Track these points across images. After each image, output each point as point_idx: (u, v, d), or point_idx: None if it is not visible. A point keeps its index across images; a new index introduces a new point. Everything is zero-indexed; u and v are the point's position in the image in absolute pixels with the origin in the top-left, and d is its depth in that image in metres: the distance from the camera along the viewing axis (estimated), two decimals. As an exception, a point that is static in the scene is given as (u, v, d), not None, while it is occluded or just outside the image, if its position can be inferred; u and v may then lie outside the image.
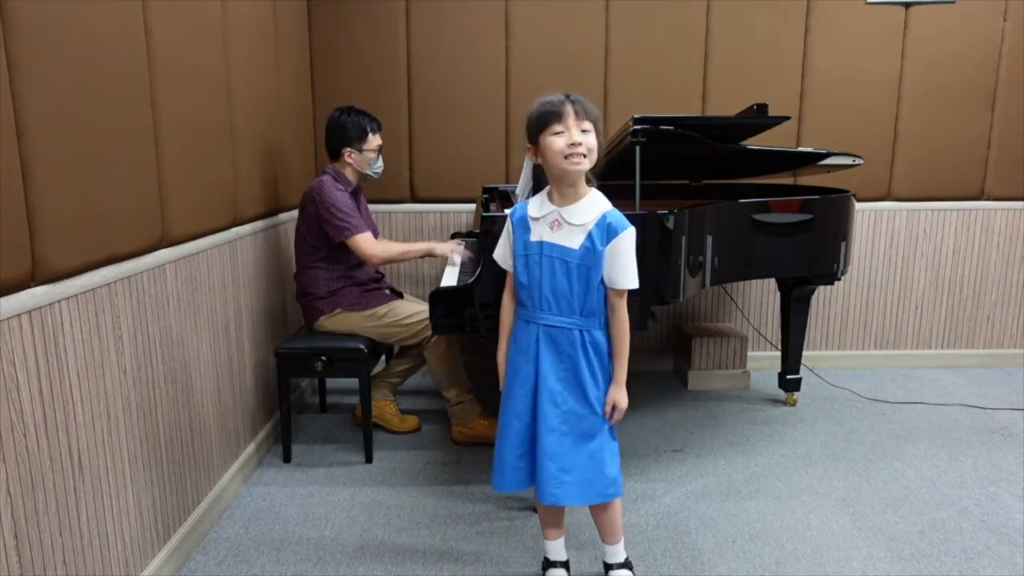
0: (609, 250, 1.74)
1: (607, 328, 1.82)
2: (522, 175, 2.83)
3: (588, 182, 1.78)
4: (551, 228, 1.76)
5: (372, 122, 2.88)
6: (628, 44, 3.57)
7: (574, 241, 1.74)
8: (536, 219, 1.79)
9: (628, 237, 1.75)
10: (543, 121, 1.71)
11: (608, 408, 1.83)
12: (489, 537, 2.28)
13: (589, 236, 1.73)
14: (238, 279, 2.63)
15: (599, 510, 1.94)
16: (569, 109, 1.69)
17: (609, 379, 1.84)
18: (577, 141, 1.68)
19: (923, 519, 2.37)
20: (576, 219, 1.74)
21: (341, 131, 2.84)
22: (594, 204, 1.76)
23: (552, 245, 1.76)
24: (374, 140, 2.88)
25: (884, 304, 3.88)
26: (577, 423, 1.81)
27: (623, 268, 1.75)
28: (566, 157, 1.69)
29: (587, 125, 1.70)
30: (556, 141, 1.69)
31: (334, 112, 2.88)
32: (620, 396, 1.83)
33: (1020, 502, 2.48)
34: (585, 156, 1.69)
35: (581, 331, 1.79)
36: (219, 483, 2.43)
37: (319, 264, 2.85)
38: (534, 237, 1.78)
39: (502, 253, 1.89)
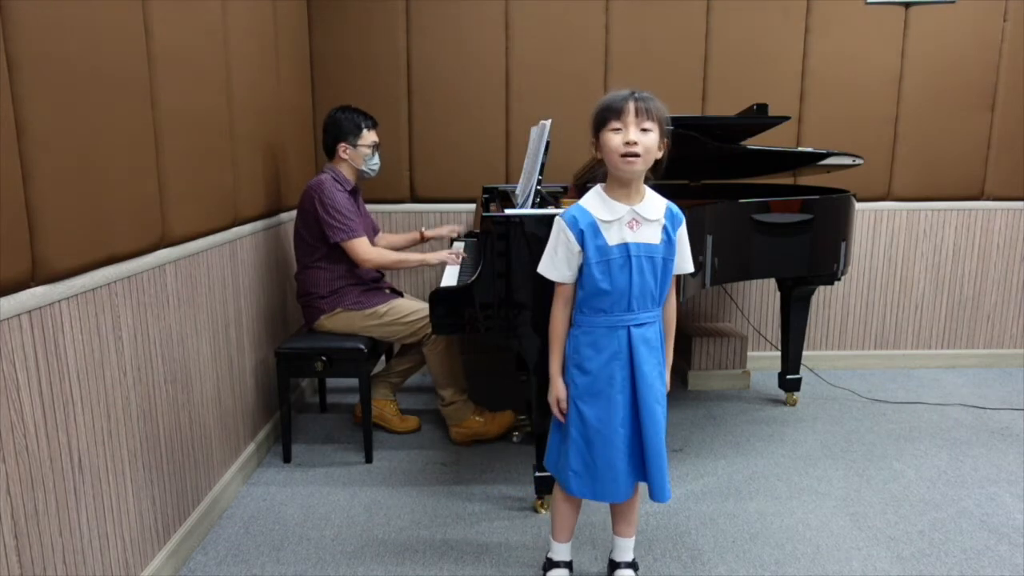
0: (677, 237, 1.79)
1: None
2: (523, 175, 2.83)
3: (645, 179, 1.78)
4: (630, 228, 1.73)
5: (367, 119, 2.90)
6: (628, 44, 3.57)
7: (655, 236, 1.75)
8: (608, 222, 1.72)
9: (685, 223, 1.82)
10: (603, 116, 1.69)
11: None
12: (489, 537, 2.28)
13: (665, 229, 1.75)
14: (238, 279, 2.63)
15: (627, 500, 1.90)
16: (630, 107, 1.66)
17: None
18: (633, 140, 1.65)
19: (923, 519, 2.37)
20: (652, 214, 1.75)
21: (336, 128, 2.86)
22: (658, 197, 1.79)
23: (638, 245, 1.73)
24: (369, 136, 2.89)
25: (884, 304, 3.88)
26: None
27: (685, 254, 1.83)
28: (621, 156, 1.67)
29: (648, 124, 1.67)
30: (613, 138, 1.67)
31: (331, 110, 2.91)
32: (667, 381, 1.87)
33: (1020, 502, 2.48)
34: (640, 156, 1.67)
35: (658, 322, 1.81)
36: (219, 483, 2.43)
37: (319, 264, 2.85)
38: (612, 240, 1.72)
39: (552, 264, 1.78)
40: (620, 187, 1.74)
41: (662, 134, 1.69)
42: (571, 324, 1.83)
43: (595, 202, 1.75)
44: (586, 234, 1.73)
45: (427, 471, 2.73)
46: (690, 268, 1.84)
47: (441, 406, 2.96)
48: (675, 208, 1.80)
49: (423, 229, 3.34)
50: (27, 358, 1.47)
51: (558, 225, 1.77)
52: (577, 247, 1.74)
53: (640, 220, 1.74)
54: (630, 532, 1.99)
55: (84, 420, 1.66)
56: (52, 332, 1.55)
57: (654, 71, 3.58)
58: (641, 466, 1.81)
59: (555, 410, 1.85)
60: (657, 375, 1.79)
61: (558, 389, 1.84)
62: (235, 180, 2.55)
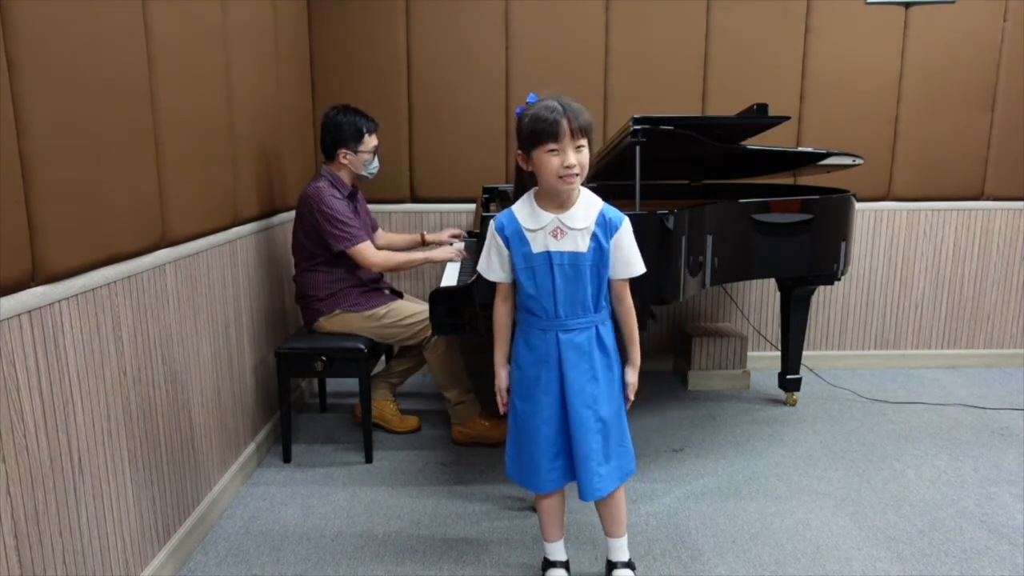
0: (614, 243, 1.76)
1: (612, 317, 1.86)
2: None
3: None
4: (554, 237, 1.74)
5: (368, 122, 2.85)
6: (628, 44, 3.57)
7: (581, 245, 1.74)
8: (533, 230, 1.76)
9: (627, 228, 1.79)
10: (537, 136, 1.67)
11: (628, 391, 1.90)
12: (489, 537, 2.28)
13: (594, 236, 1.74)
14: (238, 279, 2.63)
15: (606, 500, 1.93)
16: (565, 127, 1.64)
17: (618, 363, 1.88)
18: (572, 163, 1.66)
19: (923, 519, 2.37)
20: (578, 223, 1.74)
21: (336, 131, 2.81)
22: (590, 204, 1.77)
23: (560, 254, 1.74)
24: (370, 141, 2.85)
25: (884, 304, 3.88)
26: (607, 416, 1.83)
27: (629, 258, 1.80)
28: (560, 177, 1.67)
29: (582, 141, 1.67)
30: (551, 160, 1.67)
31: (330, 111, 2.85)
32: (635, 377, 1.91)
33: (1020, 502, 2.48)
34: (578, 175, 1.68)
35: (596, 327, 1.81)
36: (219, 483, 2.43)
37: (318, 267, 2.84)
38: (536, 248, 1.75)
39: (488, 266, 1.84)
40: (550, 197, 1.76)
41: (591, 143, 1.71)
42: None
43: (524, 209, 1.79)
44: (512, 240, 1.78)
45: (427, 471, 2.73)
46: (636, 272, 1.81)
47: (448, 406, 2.95)
48: (612, 214, 1.77)
49: (424, 232, 3.33)
50: (27, 358, 1.47)
51: (490, 229, 1.82)
52: (506, 251, 1.80)
53: (564, 229, 1.74)
54: (619, 532, 2.00)
55: (84, 420, 1.66)
56: (52, 332, 1.55)
57: (654, 71, 3.58)
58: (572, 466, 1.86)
59: (498, 399, 1.95)
60: (588, 379, 1.80)
61: (500, 380, 1.93)
62: (235, 180, 2.55)
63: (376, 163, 2.92)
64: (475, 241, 3.15)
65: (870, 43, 3.59)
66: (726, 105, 3.58)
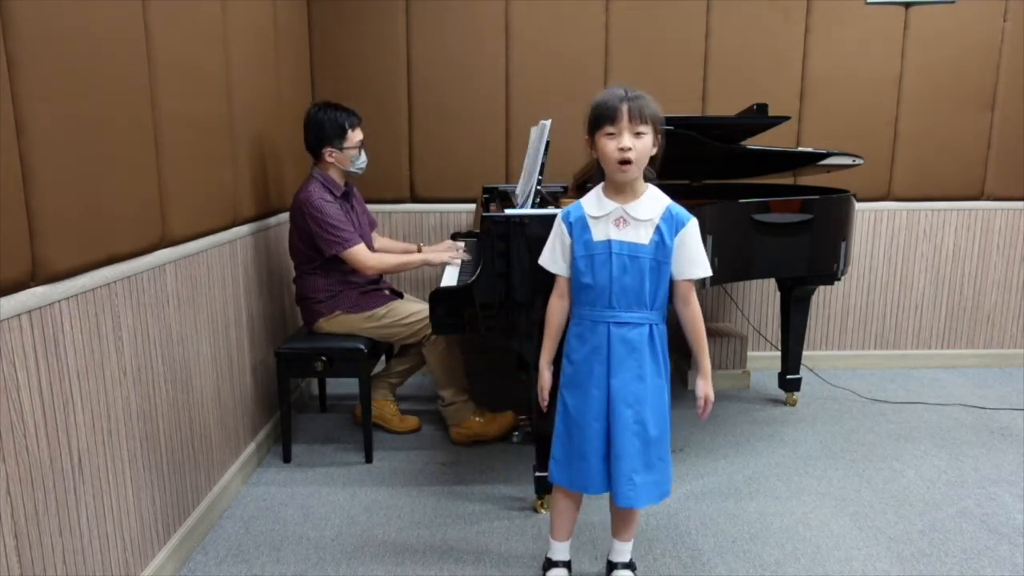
0: (678, 241, 1.74)
1: (667, 322, 1.83)
2: (523, 175, 2.83)
3: (645, 178, 1.78)
4: (616, 225, 1.74)
5: (350, 117, 2.79)
6: (628, 44, 3.57)
7: (643, 236, 1.73)
8: (597, 218, 1.76)
9: (693, 226, 1.76)
10: (597, 119, 1.69)
11: (702, 402, 1.85)
12: (489, 537, 2.28)
13: (658, 230, 1.73)
14: (238, 279, 2.63)
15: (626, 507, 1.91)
16: (623, 110, 1.65)
17: (668, 373, 1.85)
18: (627, 146, 1.65)
19: (923, 519, 2.37)
20: (642, 214, 1.73)
21: (319, 130, 2.76)
22: (657, 198, 1.77)
23: (621, 243, 1.73)
24: (354, 136, 2.80)
25: (884, 304, 3.88)
26: (650, 424, 1.80)
27: (694, 258, 1.76)
28: (617, 162, 1.68)
29: (642, 128, 1.66)
30: (608, 144, 1.68)
31: (310, 109, 2.80)
32: (711, 389, 1.85)
33: (1020, 502, 2.48)
34: (633, 163, 1.67)
35: (651, 326, 1.78)
36: (219, 483, 2.43)
37: (316, 270, 2.83)
38: (598, 236, 1.75)
39: (551, 257, 1.84)
40: (614, 186, 1.76)
41: (656, 133, 1.70)
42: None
43: (591, 198, 1.80)
44: (575, 227, 1.79)
45: (427, 471, 2.73)
46: (700, 273, 1.77)
47: (441, 406, 2.96)
48: (678, 211, 1.75)
49: (421, 244, 3.30)
50: (27, 358, 1.47)
51: (556, 219, 1.84)
52: (568, 239, 1.80)
53: (628, 219, 1.74)
54: (628, 537, 2.00)
55: (84, 420, 1.66)
56: (52, 332, 1.55)
57: (654, 71, 3.58)
58: None
59: (539, 399, 1.93)
60: (633, 377, 1.77)
61: (542, 379, 1.91)
62: (235, 180, 2.55)
63: (363, 158, 2.88)
64: (474, 241, 3.16)
65: (870, 43, 3.59)
66: (726, 105, 3.58)
